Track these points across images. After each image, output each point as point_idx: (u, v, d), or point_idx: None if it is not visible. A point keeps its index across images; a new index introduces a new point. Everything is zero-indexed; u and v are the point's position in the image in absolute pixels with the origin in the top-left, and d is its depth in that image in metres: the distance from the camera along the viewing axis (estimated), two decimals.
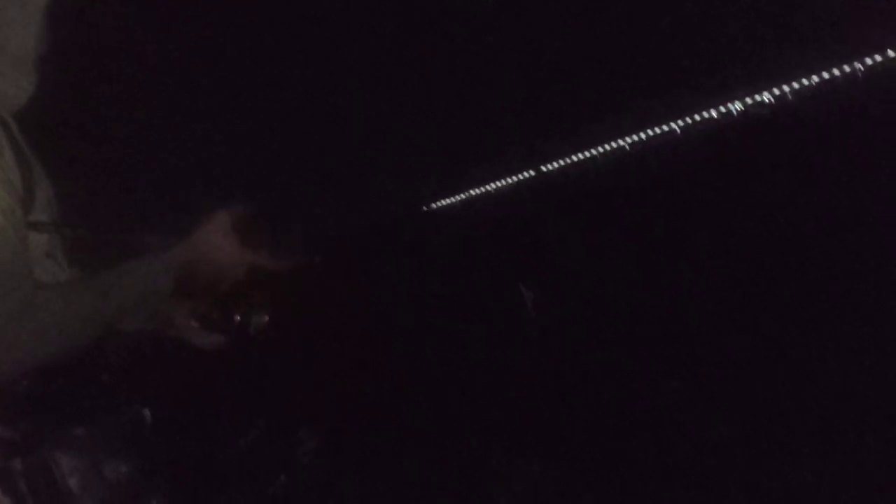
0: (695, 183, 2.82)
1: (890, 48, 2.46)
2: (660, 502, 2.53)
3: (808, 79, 2.62)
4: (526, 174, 3.07)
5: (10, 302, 1.27)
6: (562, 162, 3.00)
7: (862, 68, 2.53)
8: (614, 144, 2.92)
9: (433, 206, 3.18)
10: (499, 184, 3.10)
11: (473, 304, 2.86)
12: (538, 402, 2.74)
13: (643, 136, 2.89)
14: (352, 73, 3.16)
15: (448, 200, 3.18)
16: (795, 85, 2.64)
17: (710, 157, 2.81)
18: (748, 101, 2.72)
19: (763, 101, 2.70)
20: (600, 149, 2.94)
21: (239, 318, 1.73)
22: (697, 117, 2.79)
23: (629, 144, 2.90)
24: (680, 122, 2.83)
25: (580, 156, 2.99)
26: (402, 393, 2.59)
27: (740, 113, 2.73)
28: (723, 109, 2.75)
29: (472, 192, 3.15)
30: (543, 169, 3.04)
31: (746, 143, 2.76)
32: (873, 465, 2.34)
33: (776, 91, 2.68)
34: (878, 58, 2.47)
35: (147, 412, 1.87)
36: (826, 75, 2.59)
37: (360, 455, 2.40)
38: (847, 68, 2.55)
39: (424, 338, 2.72)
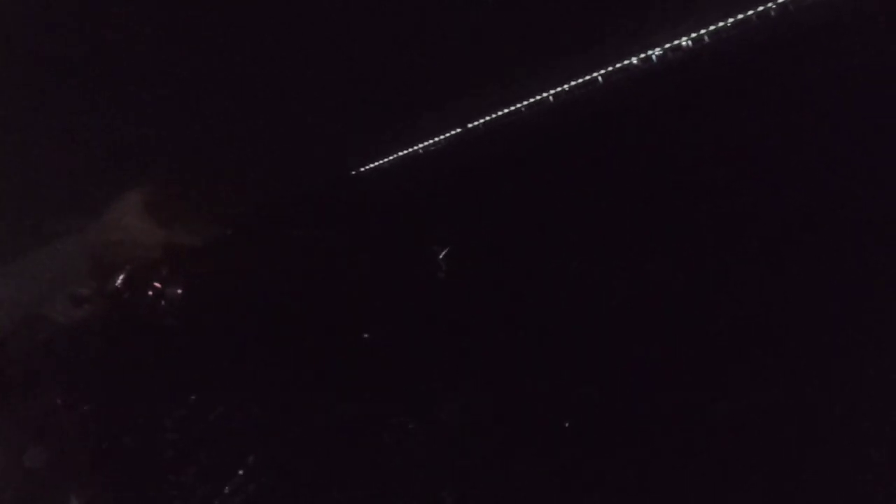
0: (619, 131, 2.83)
1: None
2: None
3: (724, 20, 2.63)
4: (452, 132, 3.04)
5: None
6: (488, 117, 2.98)
7: (774, 6, 2.54)
8: (538, 97, 2.91)
9: (361, 169, 3.14)
10: (426, 143, 3.06)
11: (398, 266, 2.84)
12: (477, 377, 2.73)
13: (566, 87, 2.88)
14: (268, 34, 3.06)
15: (376, 163, 3.13)
16: (712, 27, 2.65)
17: (633, 104, 2.81)
18: (666, 45, 2.72)
19: (681, 45, 2.71)
20: (525, 101, 2.93)
21: (152, 293, 1.67)
22: (618, 65, 2.79)
23: (552, 95, 2.89)
24: (601, 71, 2.83)
25: (506, 110, 2.97)
26: (324, 356, 2.56)
27: (659, 58, 2.73)
28: (642, 55, 2.75)
29: (399, 153, 3.11)
30: (469, 125, 3.01)
31: (668, 87, 2.77)
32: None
33: (693, 34, 2.68)
34: None
35: (60, 400, 1.81)
36: (740, 16, 2.60)
37: (289, 421, 2.38)
38: (761, 7, 2.56)
39: (352, 301, 2.69)
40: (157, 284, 1.62)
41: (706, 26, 2.68)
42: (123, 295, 1.68)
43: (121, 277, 1.58)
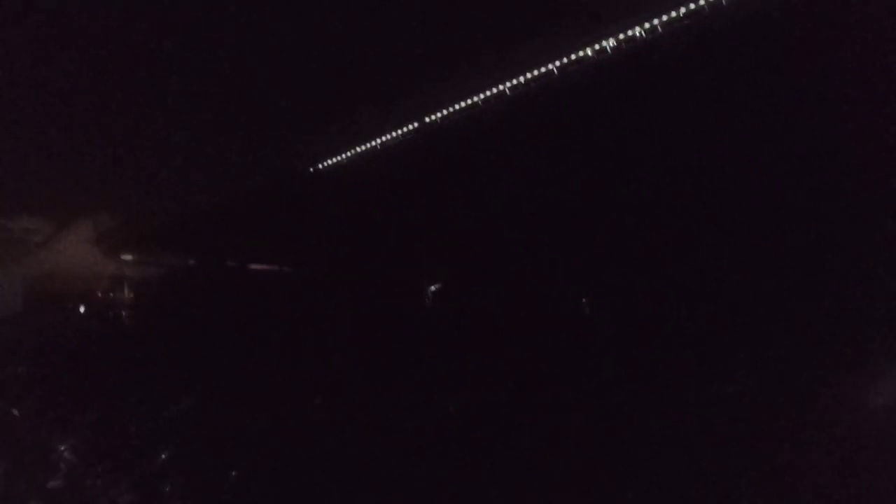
0: (576, 121, 2.82)
1: None
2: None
3: (677, 10, 2.63)
4: (411, 126, 3.02)
5: None
6: (445, 111, 2.96)
7: None
8: (495, 89, 2.90)
9: (320, 165, 3.10)
10: (385, 138, 3.04)
11: (365, 270, 2.81)
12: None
13: (522, 78, 2.87)
14: (219, 33, 3.00)
15: (335, 158, 3.10)
16: (665, 17, 2.64)
17: (589, 94, 2.81)
18: (621, 36, 2.72)
19: (635, 35, 2.70)
20: (481, 94, 2.91)
21: (100, 294, 1.64)
22: (574, 56, 2.78)
23: (509, 88, 2.88)
24: (556, 63, 2.82)
25: (463, 103, 2.95)
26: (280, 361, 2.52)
27: (614, 49, 2.73)
28: (597, 47, 2.75)
29: (358, 148, 3.08)
30: (427, 119, 2.99)
31: (624, 77, 2.77)
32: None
33: (647, 25, 2.68)
34: None
35: (15, 411, 1.79)
36: (693, 6, 2.60)
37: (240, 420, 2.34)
38: None
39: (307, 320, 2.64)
40: (103, 309, 1.58)
41: (659, 16, 2.68)
42: (69, 319, 1.64)
43: (65, 304, 1.54)
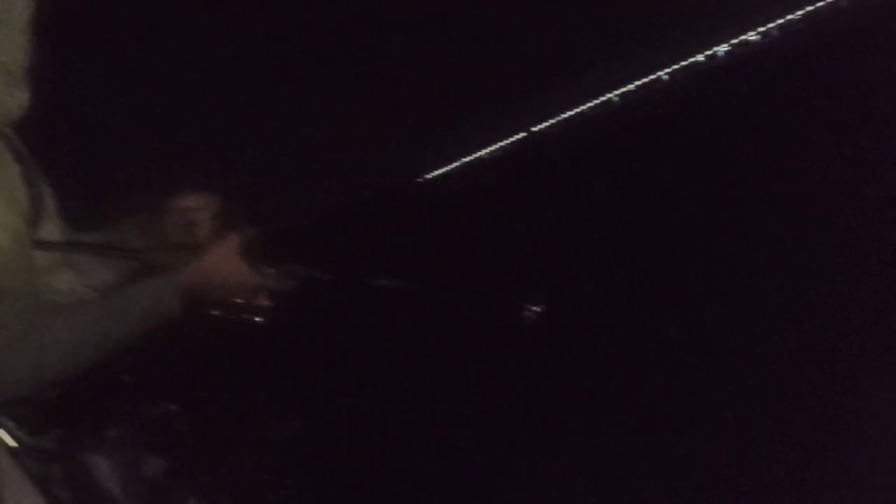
0: (689, 128, 2.81)
1: None
2: None
3: (793, 13, 2.61)
4: (517, 136, 3.05)
5: (14, 325, 1.25)
6: (552, 120, 2.98)
7: None
8: (602, 98, 2.91)
9: (427, 176, 3.16)
10: (492, 148, 3.08)
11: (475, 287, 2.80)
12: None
13: (631, 86, 2.88)
14: (330, 44, 3.11)
15: (442, 169, 3.15)
16: (780, 20, 2.63)
17: (700, 100, 2.80)
18: (733, 41, 2.71)
19: (748, 40, 2.69)
20: (589, 103, 2.93)
21: (241, 322, 1.71)
22: (684, 62, 2.79)
23: (618, 96, 2.90)
24: (666, 69, 2.82)
25: (569, 112, 2.97)
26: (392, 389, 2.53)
27: (728, 53, 2.72)
28: (709, 52, 2.75)
29: (465, 159, 3.12)
30: (534, 129, 3.02)
31: (735, 83, 2.76)
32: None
33: (760, 29, 2.67)
34: None
35: (174, 407, 1.89)
36: (810, 7, 2.58)
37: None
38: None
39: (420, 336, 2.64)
40: (245, 316, 1.65)
41: (774, 20, 2.66)
42: (215, 323, 1.73)
43: (212, 310, 1.63)
